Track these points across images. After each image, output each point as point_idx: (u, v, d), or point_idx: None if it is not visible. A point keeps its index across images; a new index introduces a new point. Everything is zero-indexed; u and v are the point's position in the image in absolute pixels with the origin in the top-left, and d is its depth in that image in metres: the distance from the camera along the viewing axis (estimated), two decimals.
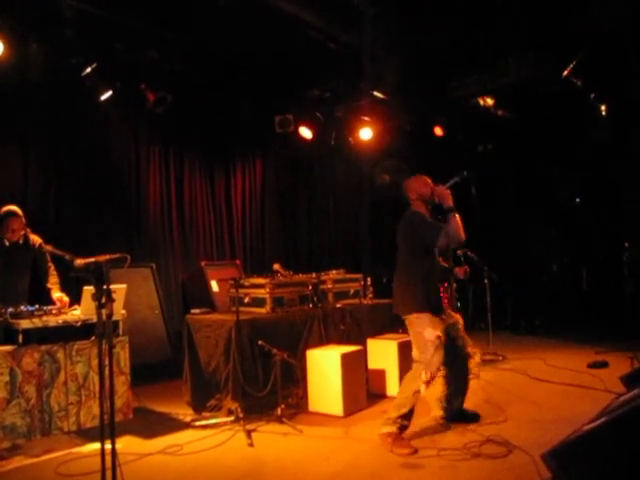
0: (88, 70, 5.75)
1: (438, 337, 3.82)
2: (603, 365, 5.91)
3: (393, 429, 3.83)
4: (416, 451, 3.67)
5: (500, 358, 6.59)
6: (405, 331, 6.06)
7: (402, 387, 3.99)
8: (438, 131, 8.49)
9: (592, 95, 7.10)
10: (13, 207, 4.72)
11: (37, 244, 4.81)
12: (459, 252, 6.84)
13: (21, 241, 4.74)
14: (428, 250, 3.96)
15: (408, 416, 3.87)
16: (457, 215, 3.87)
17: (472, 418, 4.29)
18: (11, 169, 5.93)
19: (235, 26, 5.67)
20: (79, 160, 6.40)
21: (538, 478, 3.03)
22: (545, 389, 5.23)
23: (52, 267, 4.87)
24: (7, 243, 4.67)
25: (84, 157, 6.44)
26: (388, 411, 3.95)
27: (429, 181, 4.16)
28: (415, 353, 3.98)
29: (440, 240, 3.89)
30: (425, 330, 3.85)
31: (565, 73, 6.55)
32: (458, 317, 4.25)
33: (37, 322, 4.22)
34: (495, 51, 6.76)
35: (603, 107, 7.09)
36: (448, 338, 3.99)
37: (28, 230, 4.81)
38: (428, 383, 3.83)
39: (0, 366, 3.99)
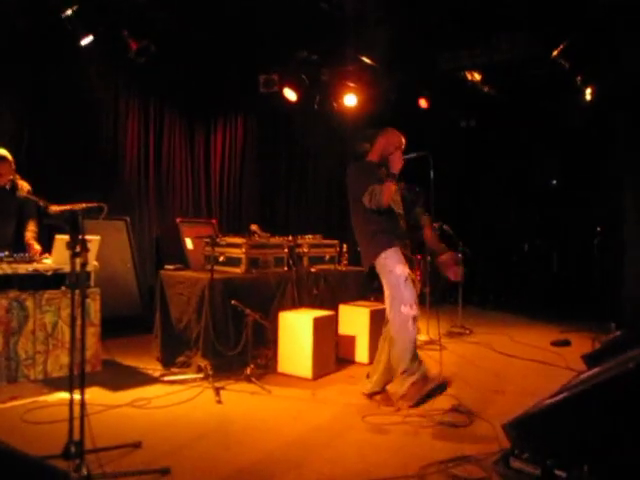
0: (69, 12, 5.50)
1: (407, 273, 3.96)
2: (566, 344, 6.09)
3: (416, 377, 3.92)
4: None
5: (467, 332, 6.73)
6: (377, 299, 6.15)
7: (391, 345, 4.03)
8: (423, 103, 8.44)
9: (578, 78, 7.12)
10: (2, 151, 4.58)
11: (25, 190, 4.68)
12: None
13: (8, 186, 4.62)
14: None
15: (415, 358, 3.97)
16: (392, 184, 3.92)
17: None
18: None
19: None
20: (54, 107, 6.16)
21: (498, 446, 3.12)
22: (509, 363, 5.38)
23: (35, 216, 4.75)
24: None
25: (60, 104, 6.19)
26: (396, 368, 4.00)
27: (401, 142, 4.19)
28: (388, 313, 4.04)
29: (365, 198, 3.94)
30: (396, 267, 3.95)
31: (554, 54, 6.54)
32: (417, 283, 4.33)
33: (6, 268, 4.16)
34: (487, 27, 6.70)
35: (588, 90, 7.12)
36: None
37: (17, 176, 4.69)
38: (415, 318, 3.93)
39: None
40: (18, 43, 5.69)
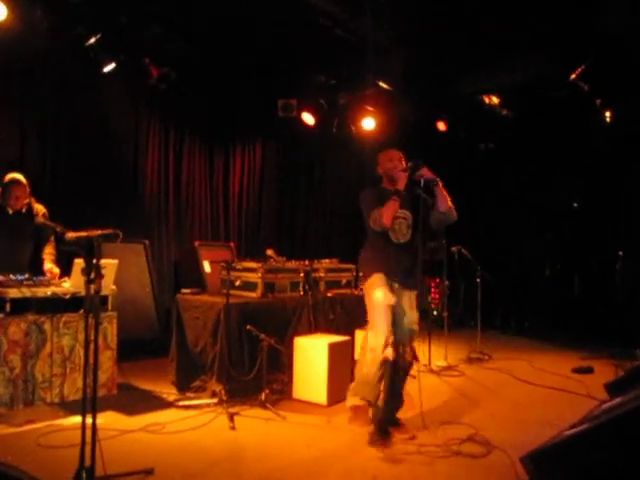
0: (92, 41, 5.65)
1: (386, 300, 3.71)
2: (588, 371, 5.94)
3: (356, 401, 3.73)
4: (370, 427, 3.71)
5: (486, 357, 6.62)
6: None
7: (359, 357, 3.91)
8: (441, 126, 8.44)
9: (598, 101, 7.07)
10: (17, 175, 4.66)
11: (40, 214, 4.75)
12: (453, 249, 6.87)
13: (24, 210, 4.69)
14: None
15: (365, 386, 3.72)
16: (394, 201, 3.76)
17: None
18: (8, 137, 5.85)
19: (242, 7, 5.61)
20: (78, 131, 6.31)
21: None
22: (529, 391, 5.26)
23: (52, 238, 4.82)
24: (10, 211, 4.63)
25: (83, 128, 6.35)
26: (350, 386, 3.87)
27: (395, 156, 4.06)
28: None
29: (371, 222, 3.86)
30: (375, 291, 3.76)
31: (573, 76, 6.52)
32: (415, 313, 3.95)
33: (26, 292, 4.21)
34: (505, 50, 6.72)
35: (608, 113, 7.06)
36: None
37: (32, 199, 4.76)
38: (381, 352, 3.63)
39: None
40: (42, 70, 5.85)
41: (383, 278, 3.83)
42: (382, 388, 3.83)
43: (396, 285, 3.88)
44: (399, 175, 3.88)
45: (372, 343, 3.69)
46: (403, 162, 4.05)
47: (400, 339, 3.83)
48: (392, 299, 3.76)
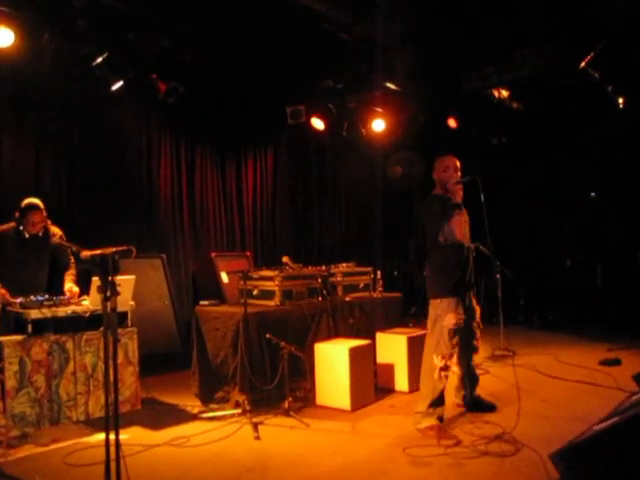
0: (99, 60, 5.71)
1: (455, 325, 3.88)
2: (615, 363, 5.83)
3: (432, 421, 3.89)
4: (459, 442, 3.70)
5: (511, 354, 6.52)
6: (415, 325, 6.04)
7: (422, 378, 4.06)
8: (452, 123, 8.38)
9: (610, 87, 6.96)
10: (34, 200, 4.69)
11: (57, 236, 4.79)
12: (472, 245, 6.79)
13: (40, 233, 4.73)
14: None
15: (438, 404, 3.93)
16: (460, 215, 3.93)
17: (488, 408, 4.38)
18: (23, 158, 5.95)
19: (247, 16, 5.63)
20: (91, 149, 6.40)
21: (546, 478, 2.98)
22: (555, 386, 5.18)
23: (72, 259, 4.86)
24: (27, 235, 4.67)
25: (96, 146, 6.44)
26: (417, 406, 4.02)
27: (451, 165, 4.12)
28: (426, 341, 4.05)
29: (440, 237, 3.92)
30: (445, 316, 3.91)
31: (582, 65, 6.43)
32: (477, 308, 4.28)
33: (46, 312, 4.26)
34: (511, 42, 6.66)
35: (621, 100, 6.95)
36: (464, 327, 4.02)
37: (48, 222, 4.80)
38: (446, 369, 3.90)
39: (10, 356, 4.04)
40: (52, 91, 5.93)
41: (455, 302, 3.94)
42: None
43: (468, 294, 4.10)
44: (455, 189, 4.00)
45: (439, 363, 3.90)
46: (458, 172, 4.12)
47: (469, 335, 4.15)
48: (462, 322, 3.93)
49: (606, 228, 8.68)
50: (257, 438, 3.95)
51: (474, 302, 4.24)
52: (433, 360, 3.94)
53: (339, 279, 5.64)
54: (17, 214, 4.64)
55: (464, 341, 4.07)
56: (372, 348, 5.09)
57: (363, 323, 5.55)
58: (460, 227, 3.93)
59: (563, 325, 8.28)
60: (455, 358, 4.00)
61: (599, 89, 6.98)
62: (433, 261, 4.11)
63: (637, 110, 7.19)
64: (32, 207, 4.64)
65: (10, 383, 4.02)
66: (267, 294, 5.07)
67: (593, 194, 9.23)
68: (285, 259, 5.39)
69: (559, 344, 7.13)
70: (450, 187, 4.02)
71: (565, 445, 2.74)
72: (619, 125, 7.60)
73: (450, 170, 4.08)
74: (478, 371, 5.74)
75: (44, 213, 4.70)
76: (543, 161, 9.26)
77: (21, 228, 4.63)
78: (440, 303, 3.98)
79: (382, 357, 5.24)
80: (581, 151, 8.77)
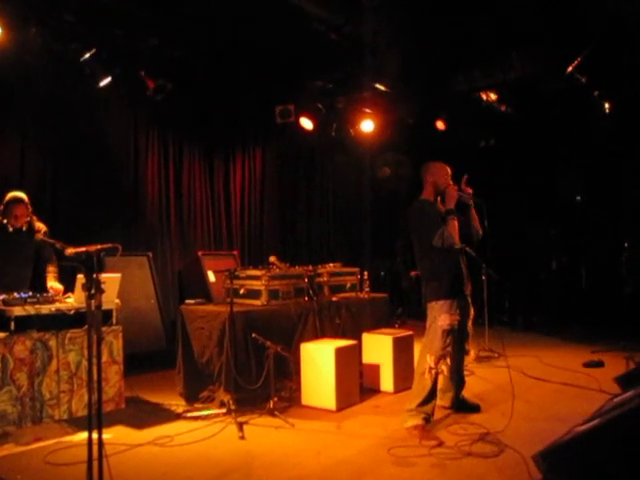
0: (87, 56, 5.67)
1: (449, 325, 3.93)
2: (599, 365, 5.89)
3: (418, 421, 3.92)
4: (442, 443, 3.71)
5: (496, 355, 6.56)
6: (401, 326, 6.05)
7: (415, 377, 4.10)
8: (440, 125, 8.42)
9: (596, 92, 7.03)
10: (18, 193, 4.66)
11: (41, 232, 4.74)
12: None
13: (25, 228, 4.68)
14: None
15: (427, 402, 3.96)
16: (455, 220, 4.03)
17: (472, 409, 4.42)
18: (8, 153, 5.88)
19: (237, 15, 5.61)
20: (77, 145, 6.34)
21: (529, 479, 3.00)
22: (539, 387, 5.22)
23: (54, 256, 4.81)
24: (10, 229, 4.62)
25: (82, 142, 6.37)
26: (407, 404, 4.04)
27: (450, 173, 4.28)
28: (423, 341, 4.11)
29: (436, 240, 3.92)
30: (440, 316, 3.96)
31: (570, 69, 6.48)
32: (471, 310, 4.33)
33: (30, 309, 4.20)
34: (499, 45, 6.69)
35: (607, 105, 7.02)
36: (458, 328, 4.07)
37: (34, 217, 4.75)
38: (435, 369, 3.92)
39: None
40: (39, 86, 5.86)
41: (449, 303, 3.99)
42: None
43: (463, 295, 4.14)
44: (454, 195, 4.11)
45: (431, 363, 3.95)
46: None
47: (463, 336, 4.19)
48: (456, 323, 3.98)
49: (591, 231, 8.76)
50: (242, 438, 3.93)
51: (470, 303, 4.27)
52: (426, 359, 3.98)
53: (326, 279, 5.64)
54: (1, 208, 4.59)
55: (458, 342, 4.10)
56: (358, 348, 5.09)
57: (349, 323, 5.55)
58: (455, 232, 4.01)
59: (548, 327, 8.35)
60: (449, 359, 4.01)
61: (586, 94, 7.04)
62: (428, 266, 4.14)
63: (622, 115, 7.27)
64: (15, 200, 4.59)
65: None
66: (254, 293, 5.05)
67: (579, 197, 9.31)
68: (272, 258, 5.38)
69: (543, 346, 7.19)
70: (450, 192, 4.11)
71: (548, 446, 2.75)
72: (605, 129, 7.67)
73: (449, 177, 4.25)
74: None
75: (28, 207, 4.65)
76: (530, 164, 9.32)
77: (5, 222, 4.58)
78: (436, 305, 4.03)
79: (368, 357, 5.25)
80: (567, 155, 8.84)
